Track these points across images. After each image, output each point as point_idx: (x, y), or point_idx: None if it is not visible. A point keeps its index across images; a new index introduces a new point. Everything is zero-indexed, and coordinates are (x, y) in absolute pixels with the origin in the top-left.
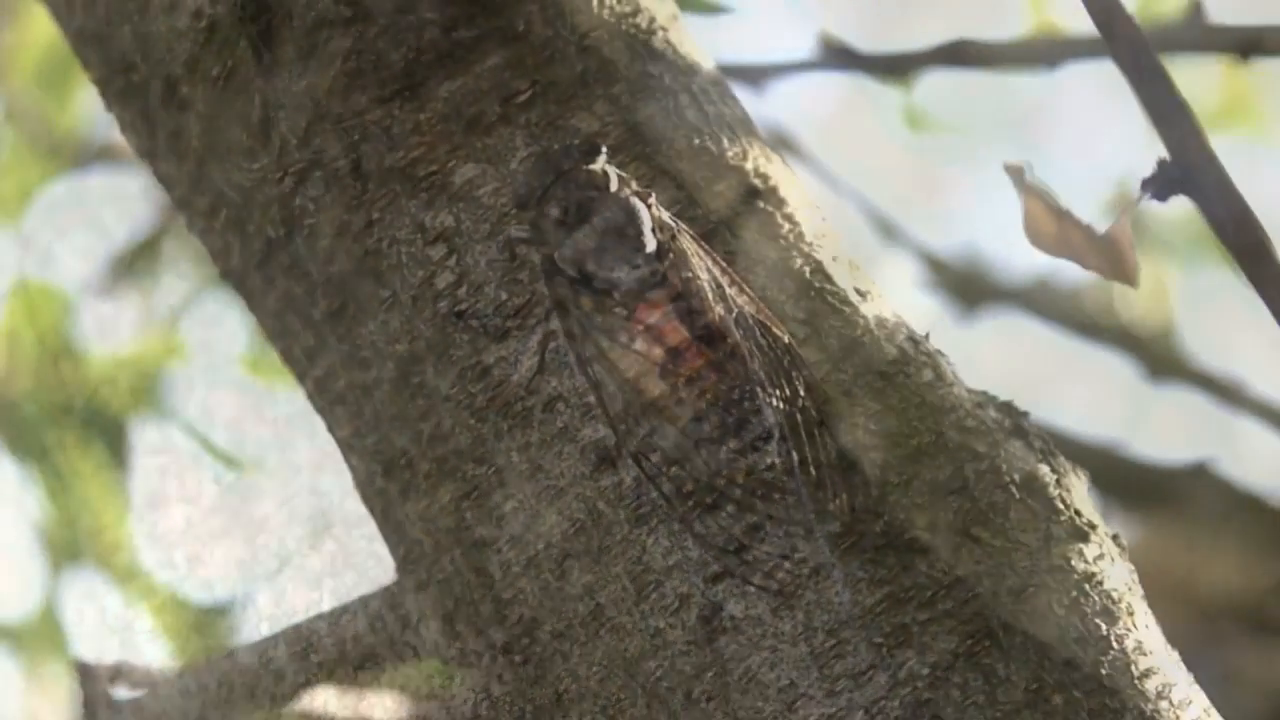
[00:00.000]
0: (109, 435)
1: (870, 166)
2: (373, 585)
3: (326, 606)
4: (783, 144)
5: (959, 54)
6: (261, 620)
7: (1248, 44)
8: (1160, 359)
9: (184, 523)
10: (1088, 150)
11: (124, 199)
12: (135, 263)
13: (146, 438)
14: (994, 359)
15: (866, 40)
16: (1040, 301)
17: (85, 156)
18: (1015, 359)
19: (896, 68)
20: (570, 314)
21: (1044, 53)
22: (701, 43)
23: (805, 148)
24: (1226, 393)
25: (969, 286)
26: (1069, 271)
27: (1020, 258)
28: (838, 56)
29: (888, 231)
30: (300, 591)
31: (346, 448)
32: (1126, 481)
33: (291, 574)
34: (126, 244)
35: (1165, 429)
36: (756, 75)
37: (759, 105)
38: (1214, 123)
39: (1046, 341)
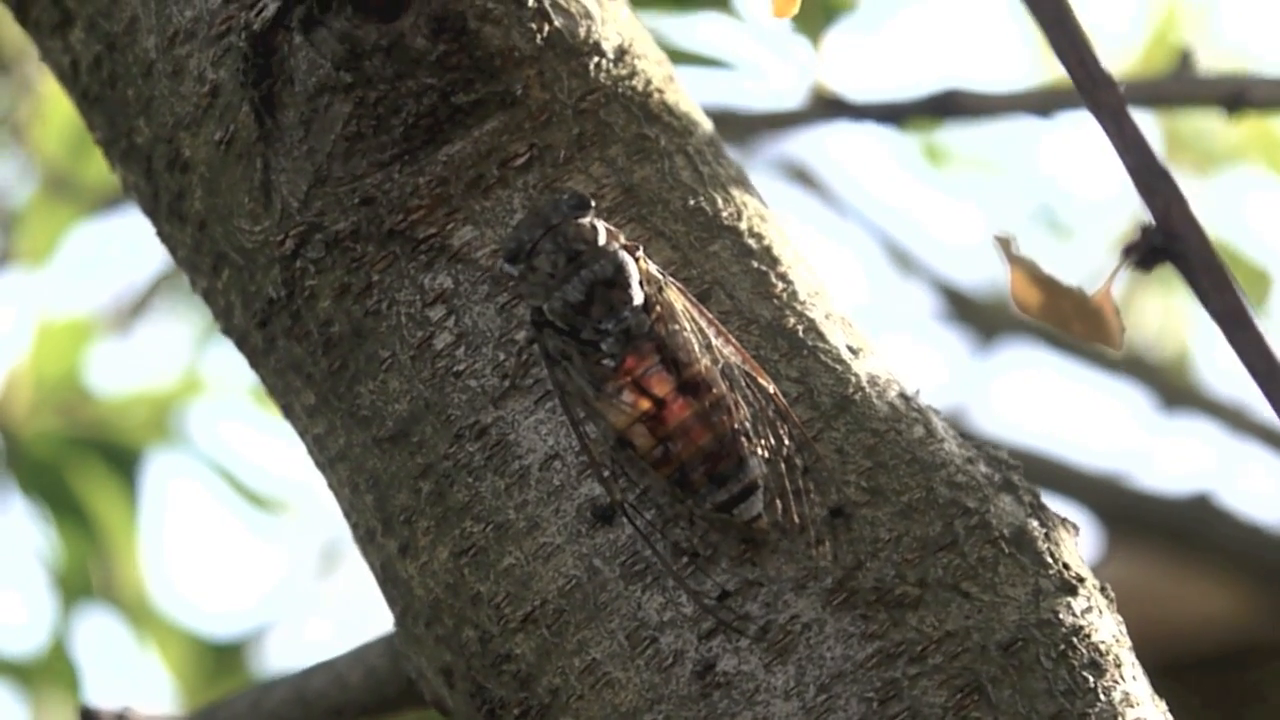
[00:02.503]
0: (124, 470)
1: (888, 200)
2: (385, 618)
3: (340, 640)
4: (800, 177)
5: (950, 104)
6: (275, 656)
7: (1233, 97)
8: (1174, 388)
9: (199, 557)
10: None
11: (144, 239)
12: (152, 299)
13: (161, 472)
14: (1011, 389)
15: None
16: (1056, 331)
17: (108, 200)
18: (1031, 389)
19: (888, 117)
20: (559, 365)
21: (1035, 103)
22: (698, 89)
23: (823, 181)
24: (1239, 421)
25: (987, 318)
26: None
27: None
28: (830, 107)
29: (906, 264)
30: (314, 625)
31: (346, 504)
32: (1128, 513)
33: (306, 608)
34: (144, 281)
35: (1177, 457)
36: (751, 124)
37: (776, 140)
38: None
39: (1062, 371)
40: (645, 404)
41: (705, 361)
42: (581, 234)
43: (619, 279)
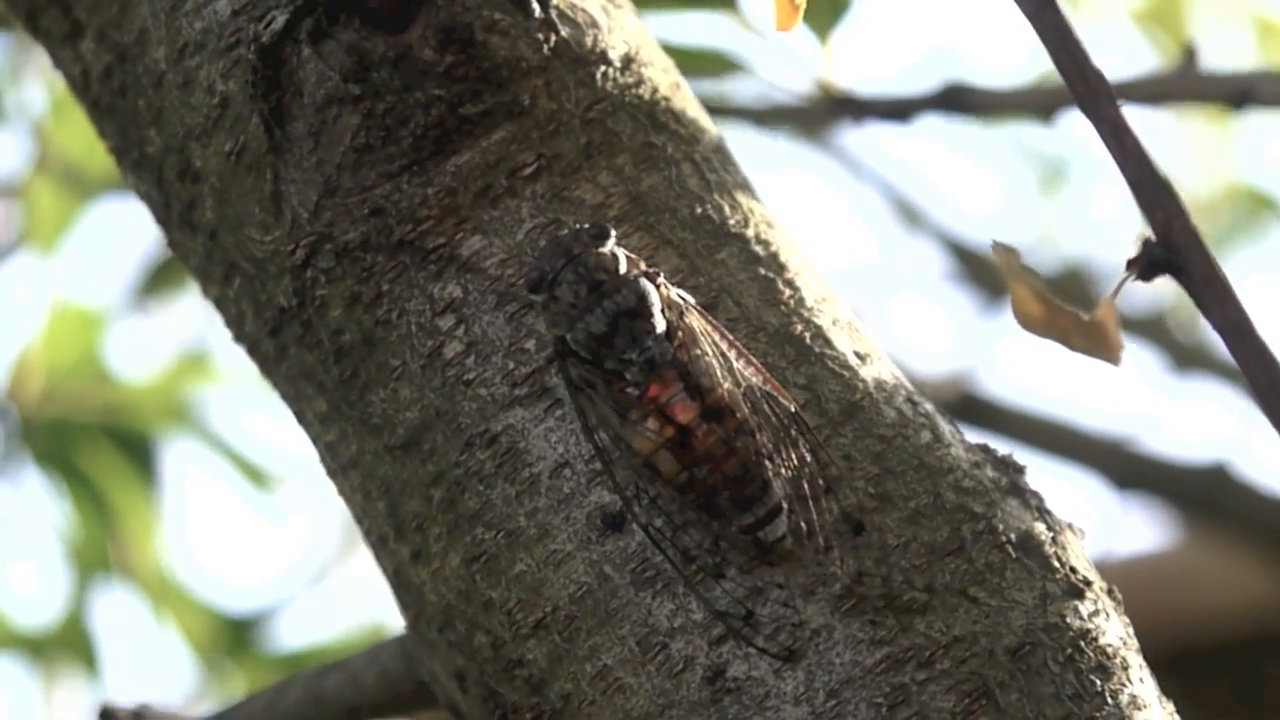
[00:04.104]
0: (140, 453)
1: (898, 157)
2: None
3: (356, 619)
4: (812, 136)
5: (957, 99)
6: (291, 631)
7: (1240, 94)
8: (1186, 350)
9: (214, 537)
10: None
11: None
12: (165, 280)
13: (178, 454)
14: (1018, 349)
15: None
16: (1067, 291)
17: (117, 184)
18: (1040, 350)
19: (896, 113)
20: (582, 392)
21: (1041, 100)
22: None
23: (834, 140)
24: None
25: (995, 278)
26: (1098, 261)
27: (1048, 248)
28: (838, 104)
29: (915, 221)
30: (330, 603)
31: (358, 510)
32: (1143, 480)
33: (321, 587)
34: (156, 262)
35: (1192, 422)
36: (761, 119)
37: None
38: None
39: None
40: (670, 431)
41: (727, 385)
42: (603, 263)
43: (641, 309)
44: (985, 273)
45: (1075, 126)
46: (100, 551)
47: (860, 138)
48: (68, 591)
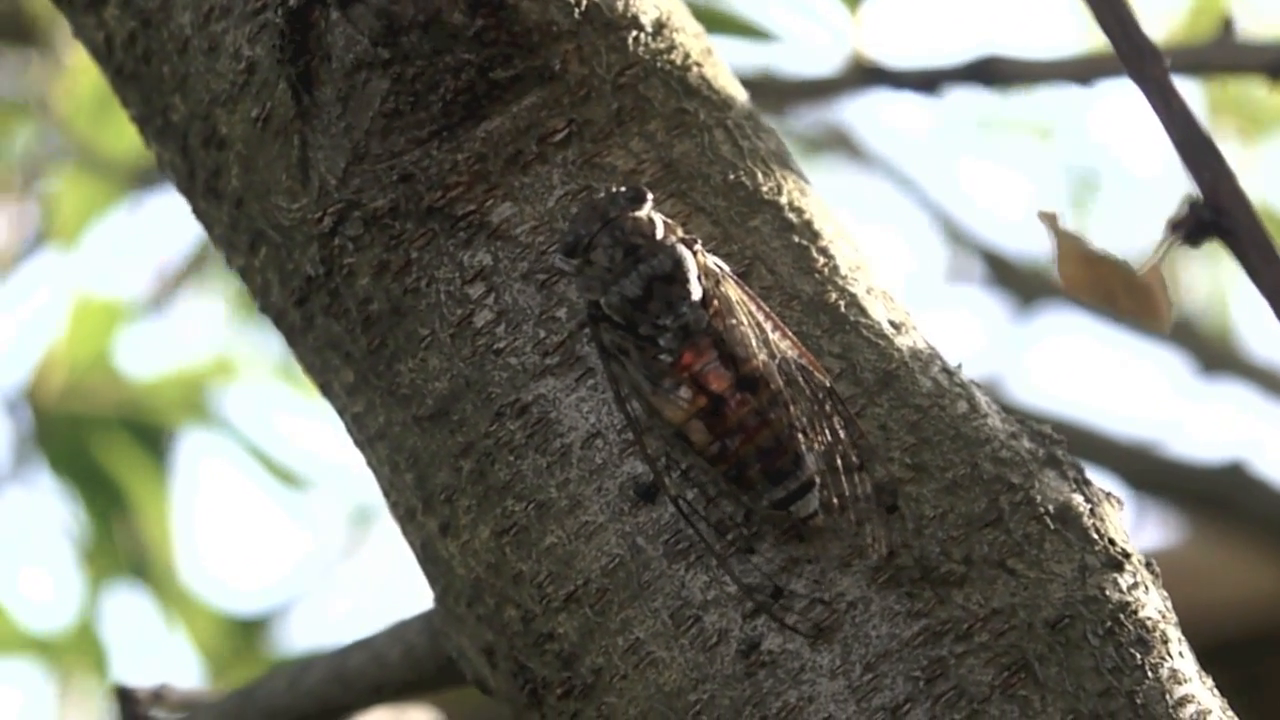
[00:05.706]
0: (155, 449)
1: (930, 164)
2: (410, 594)
3: (365, 616)
4: (843, 143)
5: (989, 70)
6: (300, 631)
7: (1277, 65)
8: (1214, 352)
9: (231, 533)
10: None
11: (177, 217)
12: (186, 277)
13: (193, 451)
14: (1050, 354)
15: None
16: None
17: (140, 177)
18: (1070, 354)
19: (927, 85)
20: (614, 358)
21: (1074, 70)
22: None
23: (863, 144)
24: (1277, 386)
25: (1027, 283)
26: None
27: None
28: (868, 74)
29: (950, 229)
30: (340, 601)
31: (385, 482)
32: (1161, 481)
33: (332, 584)
34: (178, 259)
35: (1215, 423)
36: (790, 92)
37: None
38: None
39: (1102, 336)
40: (703, 400)
41: (762, 356)
42: (639, 227)
43: (677, 274)
44: (1016, 278)
45: (1109, 130)
46: (113, 553)
47: (894, 143)
48: (81, 594)
